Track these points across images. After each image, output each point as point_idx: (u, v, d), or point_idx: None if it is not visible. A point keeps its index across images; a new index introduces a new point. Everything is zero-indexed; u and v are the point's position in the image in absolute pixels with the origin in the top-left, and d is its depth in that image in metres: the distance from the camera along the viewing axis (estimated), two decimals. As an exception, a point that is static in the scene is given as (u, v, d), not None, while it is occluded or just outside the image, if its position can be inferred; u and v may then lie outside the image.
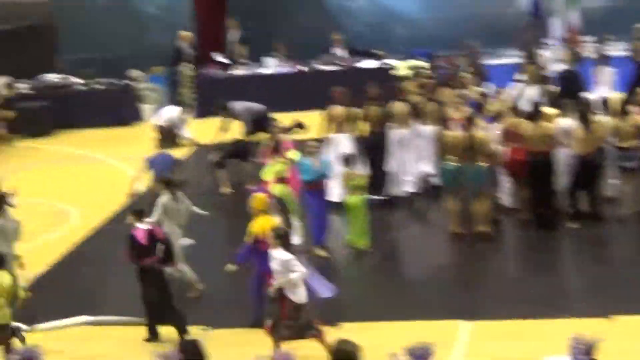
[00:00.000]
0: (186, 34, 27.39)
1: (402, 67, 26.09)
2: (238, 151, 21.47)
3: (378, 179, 19.42)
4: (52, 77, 27.73)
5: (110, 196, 20.85)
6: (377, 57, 27.40)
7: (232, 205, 20.59)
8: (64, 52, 28.76)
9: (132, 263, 14.83)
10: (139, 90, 27.27)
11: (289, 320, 13.39)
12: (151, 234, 14.97)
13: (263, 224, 14.67)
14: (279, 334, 13.41)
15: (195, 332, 14.28)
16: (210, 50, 27.92)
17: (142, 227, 15.00)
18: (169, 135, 24.65)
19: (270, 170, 17.83)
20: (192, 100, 26.86)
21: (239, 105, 22.83)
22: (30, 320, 15.57)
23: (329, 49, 27.70)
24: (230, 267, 14.86)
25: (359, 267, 17.53)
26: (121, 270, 17.41)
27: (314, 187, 17.52)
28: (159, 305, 14.69)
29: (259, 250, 14.54)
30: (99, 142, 25.51)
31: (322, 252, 17.40)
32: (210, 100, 24.45)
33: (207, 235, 18.26)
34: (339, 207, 18.11)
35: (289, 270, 13.38)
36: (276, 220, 14.97)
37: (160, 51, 27.41)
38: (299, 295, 13.48)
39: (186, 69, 26.98)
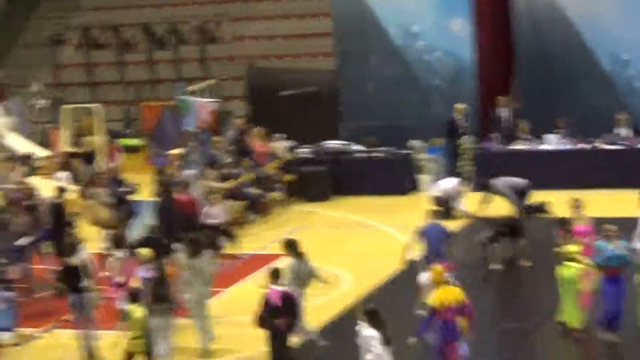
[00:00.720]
0: (460, 106, 27.44)
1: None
2: (510, 228, 21.24)
3: None
4: (334, 143, 28.25)
5: (382, 263, 20.99)
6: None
7: (500, 282, 20.43)
8: (347, 119, 29.26)
9: (262, 325, 15.31)
10: (418, 160, 27.44)
11: None
12: (286, 296, 15.41)
13: (440, 296, 14.75)
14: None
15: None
16: (489, 124, 27.88)
17: (276, 289, 15.41)
18: (445, 207, 24.68)
19: (566, 250, 17.22)
20: (470, 173, 26.80)
21: (501, 182, 22.80)
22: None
23: (612, 128, 27.17)
24: (412, 340, 14.97)
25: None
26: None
27: (611, 272, 16.81)
28: None
29: (437, 321, 14.64)
30: (376, 209, 25.78)
31: (610, 336, 16.85)
32: (487, 173, 24.37)
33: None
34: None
35: (368, 349, 13.47)
36: (455, 290, 14.95)
37: (441, 123, 27.51)
38: None
39: (465, 142, 26.99)
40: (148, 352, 15.70)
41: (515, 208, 22.19)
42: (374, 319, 13.90)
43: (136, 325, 15.69)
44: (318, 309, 19.13)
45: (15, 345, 18.58)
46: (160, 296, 16.25)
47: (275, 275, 15.85)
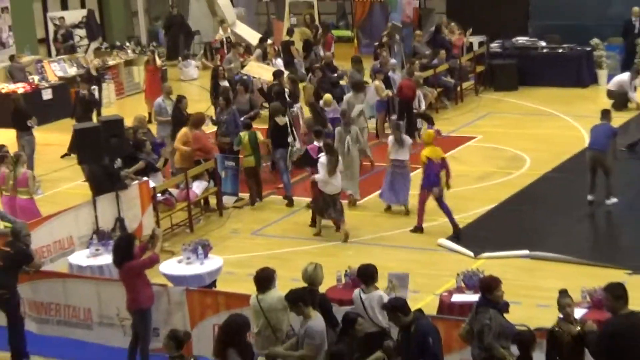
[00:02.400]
0: (637, 9, 26.76)
1: None
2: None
3: None
4: (522, 40, 28.04)
5: (560, 148, 21.02)
6: None
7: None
8: (535, 18, 28.94)
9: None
10: (598, 56, 27.03)
11: None
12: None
13: (429, 153, 17.03)
14: None
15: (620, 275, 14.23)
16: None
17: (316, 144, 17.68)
18: (619, 99, 24.41)
19: None
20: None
21: None
22: (477, 247, 16.22)
23: None
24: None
25: None
26: (562, 212, 17.72)
27: None
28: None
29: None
30: (558, 100, 25.61)
31: None
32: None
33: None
34: None
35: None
36: (439, 150, 17.23)
37: (619, 23, 26.98)
38: None
39: (640, 41, 26.50)
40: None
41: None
42: (329, 149, 16.93)
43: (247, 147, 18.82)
44: (502, 186, 19.39)
45: (238, 207, 19.27)
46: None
47: (317, 134, 18.17)
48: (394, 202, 18.38)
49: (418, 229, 17.43)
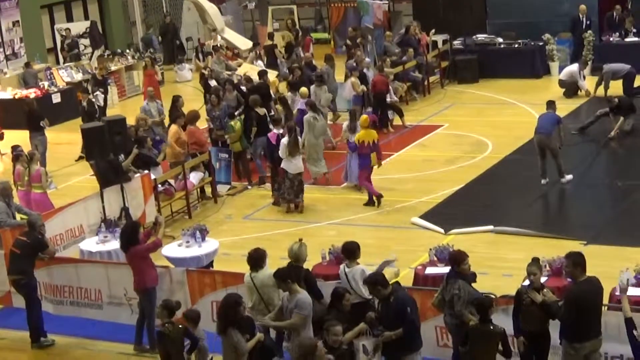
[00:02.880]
0: (583, 7, 26.71)
1: None
2: (620, 105, 20.83)
3: None
4: (482, 37, 27.94)
5: (518, 132, 20.96)
6: None
7: (614, 148, 20.20)
8: (493, 17, 28.82)
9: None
10: (549, 50, 26.95)
11: None
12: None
13: (362, 136, 17.50)
14: None
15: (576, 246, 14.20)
16: (608, 24, 27.16)
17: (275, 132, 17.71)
18: (570, 87, 24.38)
19: None
20: (589, 60, 26.21)
21: (608, 66, 22.68)
22: (447, 225, 16.17)
23: None
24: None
25: None
26: (522, 190, 17.70)
27: None
28: None
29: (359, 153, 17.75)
30: (515, 90, 25.55)
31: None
32: (607, 62, 24.01)
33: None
34: None
35: None
36: (373, 133, 17.69)
37: (568, 20, 26.89)
38: None
39: (588, 36, 26.31)
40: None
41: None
42: (289, 131, 17.25)
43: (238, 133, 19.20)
44: (467, 169, 19.36)
45: (231, 195, 19.20)
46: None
47: (277, 122, 18.31)
48: (354, 180, 18.46)
49: (371, 203, 17.60)
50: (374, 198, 17.59)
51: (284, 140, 17.36)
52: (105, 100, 24.39)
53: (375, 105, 22.64)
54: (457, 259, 10.98)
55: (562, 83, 24.64)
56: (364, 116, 18.30)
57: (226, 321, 10.40)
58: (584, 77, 24.59)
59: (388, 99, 22.87)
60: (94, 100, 22.77)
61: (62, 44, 30.58)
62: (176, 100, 20.43)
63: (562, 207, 17.98)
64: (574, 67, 24.69)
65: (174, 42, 32.95)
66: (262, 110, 19.52)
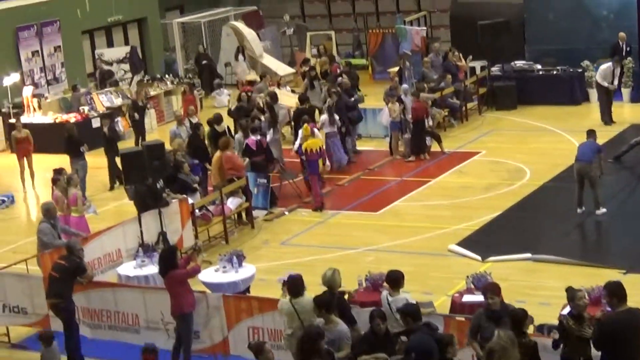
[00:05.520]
0: (622, 34, 26.55)
1: None
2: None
3: None
4: (520, 63, 27.88)
5: (557, 160, 20.87)
6: None
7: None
8: (531, 43, 28.77)
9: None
10: (588, 77, 26.82)
11: None
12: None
13: (309, 144, 19.00)
14: None
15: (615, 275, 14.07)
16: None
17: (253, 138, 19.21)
18: (605, 105, 24.39)
19: None
20: (629, 87, 26.04)
21: None
22: (485, 252, 16.10)
23: None
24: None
25: None
26: (560, 218, 17.60)
27: None
28: None
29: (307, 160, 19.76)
30: (553, 117, 25.42)
31: None
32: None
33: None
34: None
35: None
36: (319, 141, 19.35)
37: (607, 47, 26.74)
38: None
39: (628, 62, 26.17)
40: None
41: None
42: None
43: None
44: (505, 196, 19.28)
45: (268, 220, 19.23)
46: None
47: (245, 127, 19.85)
48: (340, 161, 21.29)
49: (318, 208, 19.22)
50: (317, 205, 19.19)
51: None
52: (143, 124, 24.67)
53: (413, 132, 22.65)
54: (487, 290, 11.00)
55: (598, 87, 24.58)
56: (305, 125, 19.52)
57: (308, 352, 10.16)
58: (617, 78, 24.38)
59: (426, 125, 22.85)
60: (114, 126, 22.95)
61: (101, 71, 30.81)
62: (197, 128, 20.68)
63: (600, 235, 17.84)
64: (608, 65, 24.44)
65: (210, 68, 33.03)
66: (221, 127, 20.67)
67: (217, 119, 20.88)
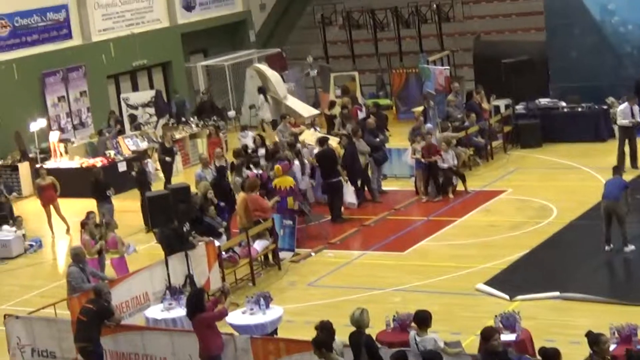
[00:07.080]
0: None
1: None
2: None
3: None
4: (544, 101, 27.91)
5: (583, 197, 20.81)
6: None
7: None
8: (554, 81, 28.82)
9: None
10: (613, 113, 26.80)
11: None
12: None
13: (279, 182, 20.03)
14: None
15: None
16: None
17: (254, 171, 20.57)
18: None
19: None
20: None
21: None
22: (513, 291, 16.03)
23: None
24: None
25: None
26: (588, 256, 17.51)
27: None
28: None
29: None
30: (579, 154, 25.39)
31: None
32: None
33: None
34: None
35: None
36: (289, 179, 20.08)
37: (632, 83, 26.72)
38: None
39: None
40: None
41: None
42: None
43: None
44: (532, 234, 19.23)
45: (295, 262, 19.29)
46: None
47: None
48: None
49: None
50: None
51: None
52: (171, 167, 24.89)
53: (429, 172, 22.69)
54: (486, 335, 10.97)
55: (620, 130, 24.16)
56: (277, 165, 20.35)
57: None
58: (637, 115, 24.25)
59: (445, 165, 22.75)
60: (145, 167, 23.17)
61: (109, 121, 30.85)
62: (221, 170, 20.91)
63: (628, 273, 17.73)
64: (625, 105, 24.20)
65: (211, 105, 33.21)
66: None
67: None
